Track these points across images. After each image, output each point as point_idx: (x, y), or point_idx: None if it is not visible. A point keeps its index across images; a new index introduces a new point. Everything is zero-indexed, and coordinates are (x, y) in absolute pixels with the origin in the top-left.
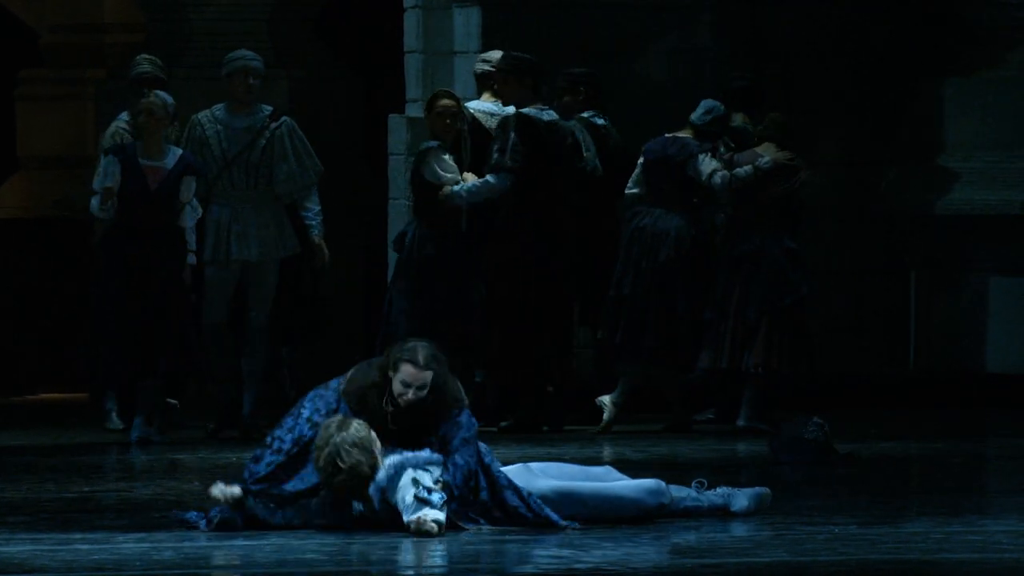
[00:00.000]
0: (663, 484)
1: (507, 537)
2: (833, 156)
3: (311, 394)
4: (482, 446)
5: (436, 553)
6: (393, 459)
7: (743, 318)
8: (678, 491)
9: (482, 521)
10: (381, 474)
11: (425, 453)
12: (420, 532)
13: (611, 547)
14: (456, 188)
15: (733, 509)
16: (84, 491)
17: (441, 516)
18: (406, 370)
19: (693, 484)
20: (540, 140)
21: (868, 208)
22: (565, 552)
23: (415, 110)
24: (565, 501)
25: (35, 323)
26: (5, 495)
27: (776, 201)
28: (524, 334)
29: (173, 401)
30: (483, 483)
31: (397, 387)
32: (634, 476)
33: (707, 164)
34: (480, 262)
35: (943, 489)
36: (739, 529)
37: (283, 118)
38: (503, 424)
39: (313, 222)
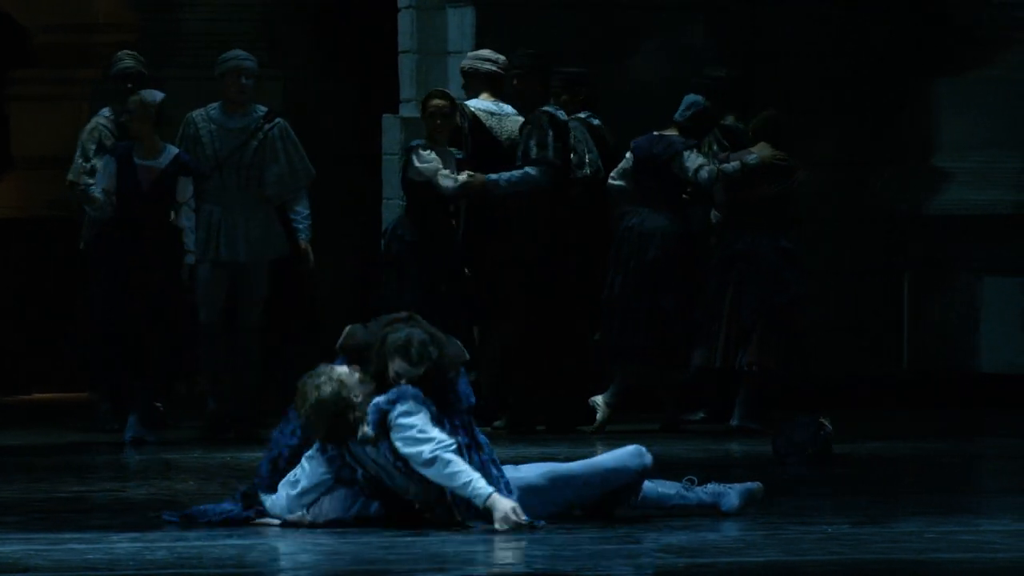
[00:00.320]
0: (643, 448)
1: (496, 537)
2: (827, 156)
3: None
4: (482, 437)
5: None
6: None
7: (737, 317)
8: (667, 487)
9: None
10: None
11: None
12: None
13: (602, 546)
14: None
15: (724, 509)
16: (77, 491)
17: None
18: (399, 364)
19: (683, 481)
20: (565, 139)
21: (861, 208)
22: (555, 551)
23: (409, 110)
24: (556, 485)
25: (29, 323)
26: None
27: (772, 201)
28: (530, 335)
29: (157, 404)
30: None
31: (391, 373)
32: None
33: (693, 160)
34: (463, 260)
35: (936, 489)
36: (731, 529)
37: (276, 120)
38: (496, 424)
39: (301, 225)
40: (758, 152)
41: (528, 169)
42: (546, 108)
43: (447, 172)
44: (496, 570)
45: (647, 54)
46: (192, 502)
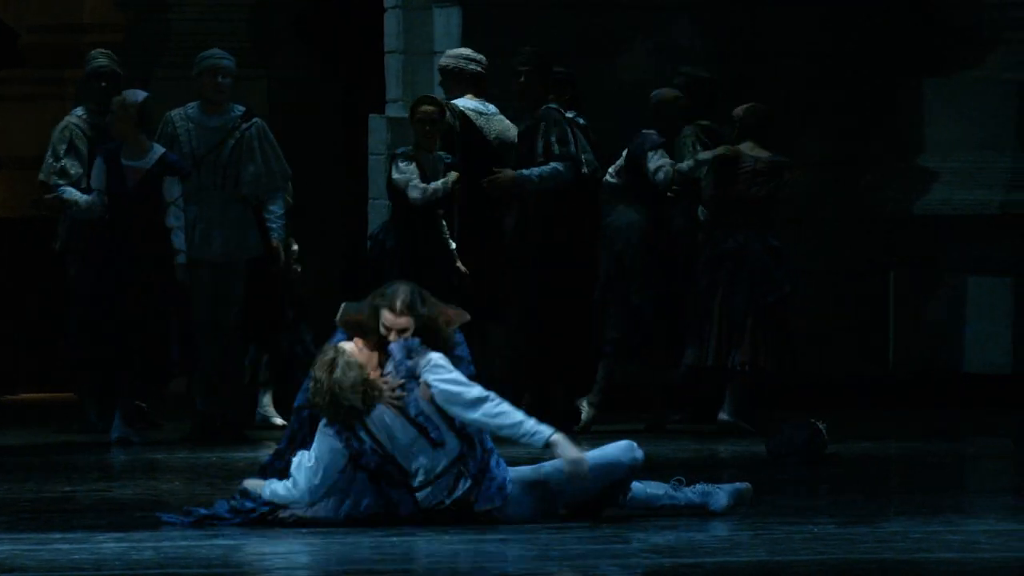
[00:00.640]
0: (634, 443)
1: (484, 537)
2: (814, 156)
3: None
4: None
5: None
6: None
7: (728, 316)
8: (655, 488)
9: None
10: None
11: None
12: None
13: (590, 546)
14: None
15: (712, 508)
16: (64, 491)
17: None
18: (385, 316)
19: (671, 482)
20: (576, 136)
21: (847, 208)
22: (542, 551)
23: (395, 110)
24: (550, 480)
25: (16, 323)
26: None
27: (763, 200)
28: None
29: (142, 404)
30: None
31: (382, 329)
32: None
33: (654, 161)
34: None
35: (922, 489)
36: (718, 529)
37: (254, 119)
38: None
39: (274, 225)
40: (754, 153)
41: (557, 165)
42: (552, 106)
43: (416, 182)
44: (483, 569)
45: (636, 54)
46: (179, 502)
